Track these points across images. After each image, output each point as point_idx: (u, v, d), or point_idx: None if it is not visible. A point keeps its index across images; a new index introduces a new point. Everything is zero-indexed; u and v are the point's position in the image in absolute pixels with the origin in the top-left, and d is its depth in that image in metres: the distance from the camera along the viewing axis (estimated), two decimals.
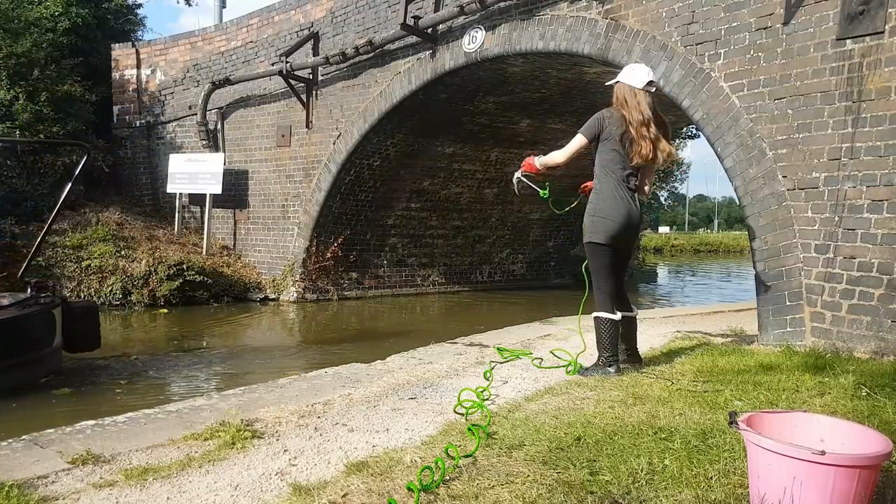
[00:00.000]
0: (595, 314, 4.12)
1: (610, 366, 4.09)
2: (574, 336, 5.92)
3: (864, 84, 5.02)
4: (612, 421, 2.94)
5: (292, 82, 11.61)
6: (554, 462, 2.43)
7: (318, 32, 11.50)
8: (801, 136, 5.40)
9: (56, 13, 13.20)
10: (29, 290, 5.90)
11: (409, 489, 2.20)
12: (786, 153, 5.50)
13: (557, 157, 4.14)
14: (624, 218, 4.01)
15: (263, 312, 11.19)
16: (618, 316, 4.10)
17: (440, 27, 9.36)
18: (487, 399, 3.53)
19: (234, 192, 13.00)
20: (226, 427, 3.04)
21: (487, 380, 3.98)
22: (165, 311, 10.67)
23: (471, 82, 9.92)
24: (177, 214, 13.19)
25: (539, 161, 4.24)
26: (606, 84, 4.32)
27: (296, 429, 3.15)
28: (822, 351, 4.59)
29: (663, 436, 2.67)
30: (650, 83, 4.05)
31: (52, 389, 5.65)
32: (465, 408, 3.28)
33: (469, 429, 2.83)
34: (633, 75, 4.07)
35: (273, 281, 12.39)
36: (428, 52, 9.63)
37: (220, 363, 7.32)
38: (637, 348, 4.41)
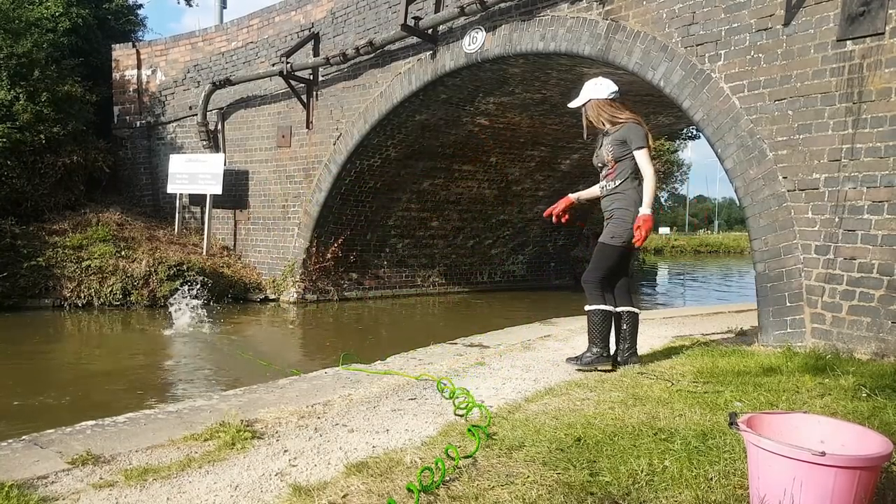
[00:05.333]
0: (588, 307, 4.19)
1: (603, 356, 4.13)
2: (574, 337, 5.93)
3: (864, 85, 5.02)
4: (613, 422, 2.93)
5: (293, 83, 11.61)
6: (554, 463, 2.43)
7: (318, 33, 11.50)
8: (801, 136, 5.40)
9: (56, 13, 13.20)
10: None
11: (409, 490, 2.20)
12: (786, 154, 5.50)
13: (653, 176, 4.10)
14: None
15: (263, 313, 11.18)
16: (610, 307, 4.19)
17: (440, 28, 9.36)
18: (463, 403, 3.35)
19: (235, 192, 12.99)
20: (226, 427, 3.04)
21: (447, 398, 3.65)
22: None
23: (471, 83, 9.92)
24: (177, 215, 13.19)
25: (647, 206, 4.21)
26: (571, 107, 4.46)
27: (296, 429, 3.15)
28: (823, 352, 4.59)
29: (663, 437, 2.66)
30: (615, 92, 4.25)
31: None
32: (465, 409, 3.28)
33: (469, 430, 2.83)
34: (601, 89, 4.25)
35: (273, 281, 12.38)
36: (428, 53, 9.63)
37: (220, 363, 7.32)
38: (636, 348, 4.42)
